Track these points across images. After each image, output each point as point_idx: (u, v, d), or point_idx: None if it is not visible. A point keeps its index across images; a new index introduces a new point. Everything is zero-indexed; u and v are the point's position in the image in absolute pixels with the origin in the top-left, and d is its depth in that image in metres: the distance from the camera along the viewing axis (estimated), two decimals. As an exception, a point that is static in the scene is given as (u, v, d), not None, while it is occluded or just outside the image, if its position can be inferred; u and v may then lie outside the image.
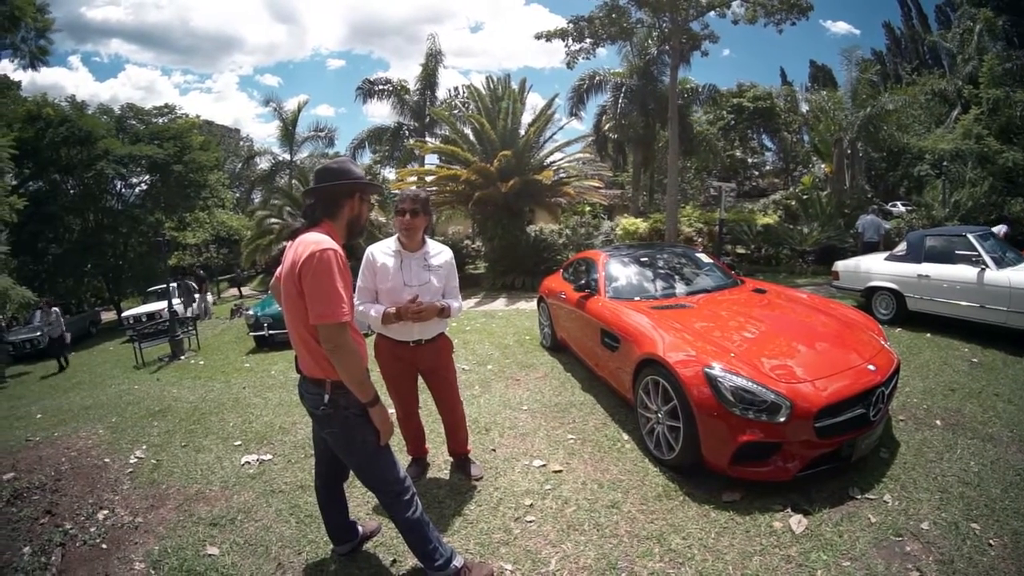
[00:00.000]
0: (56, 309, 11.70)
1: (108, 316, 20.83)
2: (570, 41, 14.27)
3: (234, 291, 22.80)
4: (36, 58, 7.37)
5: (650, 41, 16.65)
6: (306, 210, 2.08)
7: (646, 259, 5.01)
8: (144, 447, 4.72)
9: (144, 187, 20.11)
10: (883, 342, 3.44)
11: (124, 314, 16.80)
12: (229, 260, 25.99)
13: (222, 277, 25.34)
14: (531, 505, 2.90)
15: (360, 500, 3.11)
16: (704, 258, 5.19)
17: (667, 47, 15.23)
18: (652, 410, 3.25)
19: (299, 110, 24.70)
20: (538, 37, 14.43)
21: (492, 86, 14.23)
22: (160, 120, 20.65)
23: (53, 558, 3.13)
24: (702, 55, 15.09)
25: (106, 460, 4.56)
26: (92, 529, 3.40)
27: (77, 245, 17.58)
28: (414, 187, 3.31)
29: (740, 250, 14.45)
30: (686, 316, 3.71)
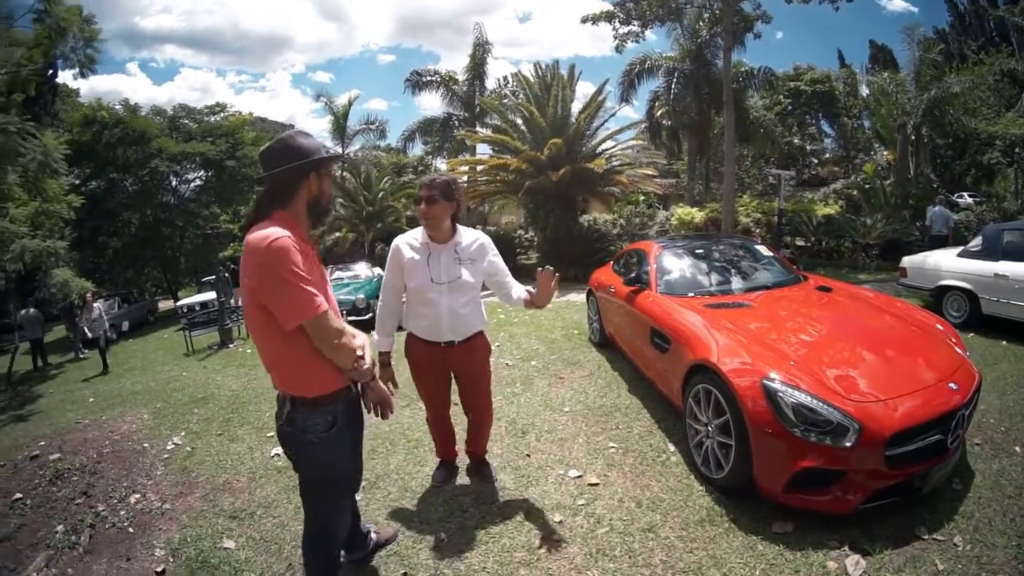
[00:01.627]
0: (98, 305, 10.95)
1: (166, 304, 22.27)
2: (617, 24, 14.09)
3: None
4: (85, 67, 8.01)
5: (701, 23, 16.26)
6: (257, 201, 1.87)
7: (701, 251, 4.76)
8: (182, 433, 4.90)
9: (199, 182, 21.41)
10: (963, 353, 3.08)
11: (179, 303, 17.92)
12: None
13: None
14: (560, 522, 2.74)
15: (381, 503, 3.08)
16: (763, 251, 4.90)
17: (719, 29, 14.83)
18: (702, 422, 3.00)
19: (350, 104, 25.27)
20: (584, 20, 14.37)
21: (540, 73, 14.25)
22: (212, 118, 21.62)
23: (82, 538, 3.30)
24: (755, 37, 14.68)
25: (145, 445, 4.79)
26: (122, 512, 3.56)
27: (135, 238, 18.95)
28: (435, 173, 3.10)
29: (799, 242, 13.93)
30: (742, 316, 3.45)
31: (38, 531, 3.54)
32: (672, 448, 3.40)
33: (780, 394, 2.49)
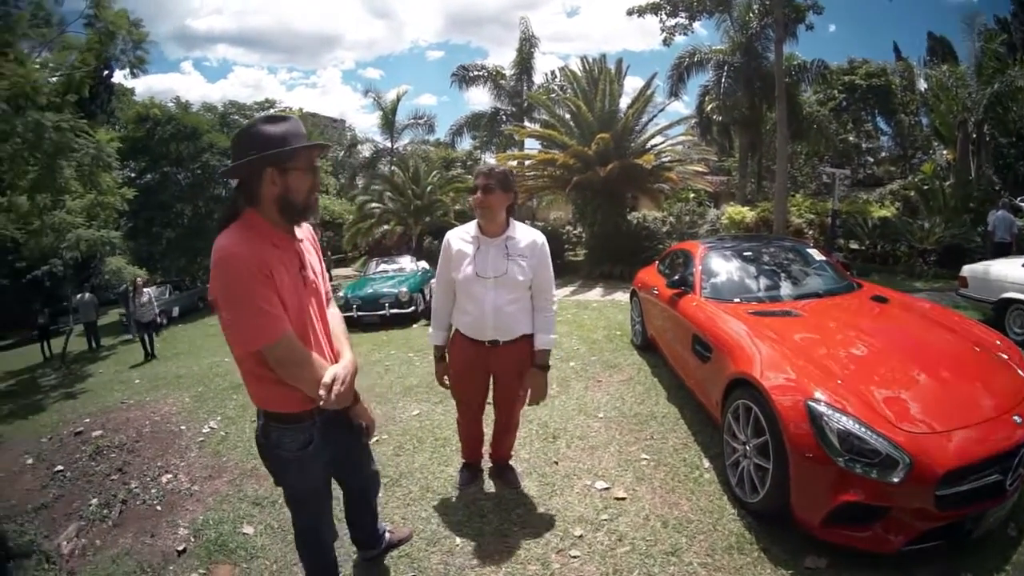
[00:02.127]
0: (149, 291, 10.77)
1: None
2: (664, 16, 13.87)
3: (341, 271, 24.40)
4: (135, 67, 8.60)
5: (751, 14, 15.82)
6: (231, 198, 1.70)
7: (749, 254, 4.55)
8: (219, 418, 5.05)
9: None
10: None
11: None
12: (334, 242, 28.00)
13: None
14: (580, 536, 2.62)
15: (400, 501, 3.06)
16: (815, 255, 4.65)
17: (769, 20, 14.38)
18: (740, 440, 2.82)
19: (398, 99, 25.76)
20: (630, 13, 14.16)
21: (588, 67, 14.09)
22: (261, 114, 22.31)
23: (113, 512, 3.48)
24: (807, 28, 14.15)
25: (182, 427, 4.98)
26: (153, 490, 3.71)
27: (188, 229, 19.91)
28: (493, 162, 2.98)
29: (853, 245, 13.24)
30: (788, 326, 3.26)
31: (73, 502, 3.74)
32: (707, 464, 3.23)
33: (825, 418, 2.29)
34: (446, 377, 2.82)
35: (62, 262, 13.50)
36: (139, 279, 11.37)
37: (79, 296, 12.95)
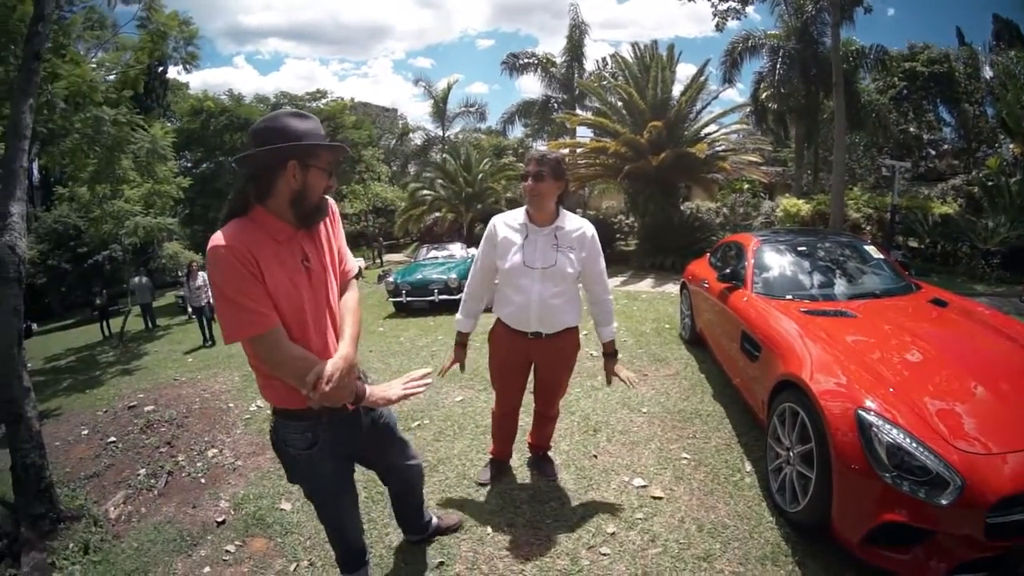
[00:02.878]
0: (203, 274, 10.39)
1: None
2: None
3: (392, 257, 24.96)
4: (187, 63, 9.17)
5: None
6: (236, 191, 1.67)
7: (804, 248, 4.41)
8: (266, 398, 5.27)
9: None
10: None
11: None
12: (385, 229, 28.78)
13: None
14: (613, 534, 2.59)
15: (436, 487, 3.10)
16: (873, 252, 4.46)
17: (825, 3, 13.90)
18: (784, 445, 2.72)
19: (449, 88, 26.29)
20: None
21: (639, 54, 13.98)
22: (314, 104, 23.16)
23: (160, 482, 3.70)
24: (865, 12, 13.47)
25: (230, 405, 5.22)
26: (199, 464, 3.91)
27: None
28: (544, 148, 2.90)
29: (912, 243, 12.63)
30: (841, 327, 3.14)
31: (123, 471, 3.99)
32: (748, 467, 3.15)
33: (875, 429, 2.18)
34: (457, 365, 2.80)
35: (121, 248, 14.32)
36: (194, 263, 11.48)
37: (136, 279, 13.69)
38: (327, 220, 1.80)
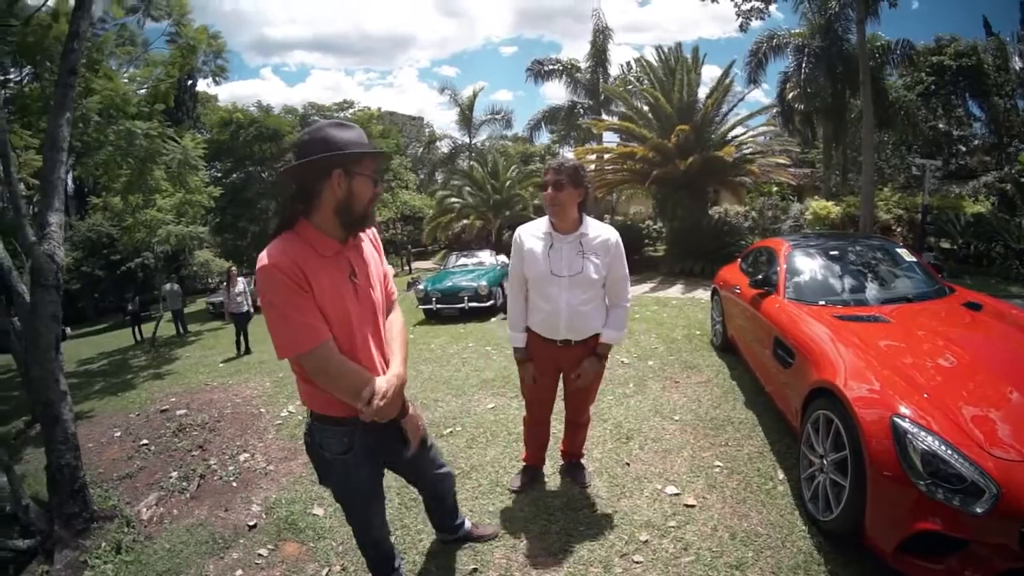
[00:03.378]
0: (243, 280, 10.37)
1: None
2: None
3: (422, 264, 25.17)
4: (217, 75, 9.47)
5: None
6: (281, 207, 1.71)
7: (836, 253, 4.37)
8: (297, 403, 5.27)
9: None
10: None
11: None
12: (414, 236, 29.22)
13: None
14: (646, 542, 2.59)
15: (469, 493, 3.10)
16: (905, 255, 4.41)
17: None
18: (818, 453, 2.68)
19: (475, 96, 26.72)
20: None
21: (664, 57, 14.00)
22: (341, 114, 23.60)
23: (192, 485, 3.74)
24: (891, 6, 13.13)
25: (262, 410, 5.27)
26: (231, 468, 3.95)
27: (272, 224, 20.98)
28: (563, 156, 2.87)
29: (944, 244, 12.27)
30: (874, 332, 3.10)
31: (155, 474, 4.04)
32: (781, 476, 3.11)
33: (911, 436, 2.14)
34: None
35: (153, 255, 14.74)
36: (234, 269, 11.08)
37: (167, 286, 14.08)
38: (372, 241, 1.84)
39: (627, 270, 2.64)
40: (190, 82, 21.55)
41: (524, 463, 3.20)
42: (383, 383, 1.64)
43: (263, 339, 11.48)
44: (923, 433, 2.13)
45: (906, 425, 2.17)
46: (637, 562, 2.44)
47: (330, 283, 1.61)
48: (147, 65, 8.50)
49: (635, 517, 2.77)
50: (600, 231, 2.57)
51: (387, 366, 1.78)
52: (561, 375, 2.79)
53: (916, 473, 2.07)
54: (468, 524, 2.62)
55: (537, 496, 3.00)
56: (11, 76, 7.28)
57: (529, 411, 2.94)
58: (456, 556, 2.53)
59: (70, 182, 22.57)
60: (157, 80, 8.47)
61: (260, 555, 2.75)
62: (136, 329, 14.27)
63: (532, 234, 2.62)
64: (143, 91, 8.54)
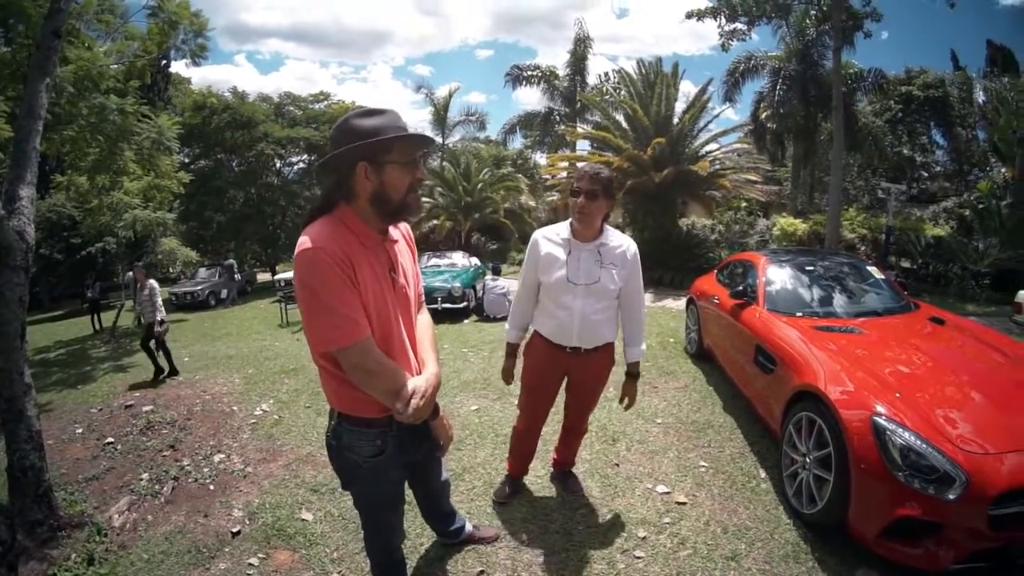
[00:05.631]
0: (153, 284, 7.13)
1: (264, 276, 24.12)
2: (723, 20, 13.80)
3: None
4: (197, 55, 8.96)
5: (808, 20, 15.53)
6: (324, 191, 1.60)
7: (811, 268, 4.58)
8: (271, 401, 5.11)
9: (302, 165, 23.04)
10: None
11: (277, 276, 19.45)
12: None
13: None
14: (644, 538, 2.63)
15: (464, 496, 3.02)
16: (875, 272, 4.64)
17: (827, 26, 14.17)
18: (800, 452, 2.85)
19: (450, 96, 26.36)
20: (689, 16, 14.19)
21: (643, 71, 14.22)
22: (316, 106, 23.05)
23: (165, 488, 3.49)
24: (865, 36, 13.76)
25: (234, 408, 5.05)
26: (206, 470, 3.73)
27: (238, 215, 20.58)
28: (597, 164, 2.79)
29: (905, 263, 12.88)
30: (851, 342, 3.30)
31: (124, 475, 3.78)
32: (763, 474, 3.25)
33: (889, 433, 2.37)
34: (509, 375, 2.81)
35: (116, 240, 14.00)
36: (138, 266, 8.41)
37: (130, 273, 13.39)
38: (406, 238, 1.75)
39: (642, 283, 2.63)
40: (164, 62, 20.54)
41: (507, 473, 3.09)
42: (421, 382, 1.55)
43: (222, 328, 11.25)
44: (900, 430, 2.35)
45: (884, 423, 2.39)
46: (639, 557, 2.49)
47: (372, 275, 1.51)
48: (125, 39, 8.01)
49: (631, 515, 2.83)
50: (620, 241, 2.54)
51: (420, 365, 1.68)
52: (565, 382, 2.74)
53: (895, 465, 2.29)
54: (469, 527, 2.56)
55: (532, 497, 3.00)
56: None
57: (525, 416, 2.84)
58: (461, 559, 2.48)
59: (34, 157, 21.33)
60: (133, 56, 7.99)
61: (251, 564, 2.58)
62: (95, 317, 13.47)
63: (550, 239, 2.55)
64: (116, 66, 8.05)
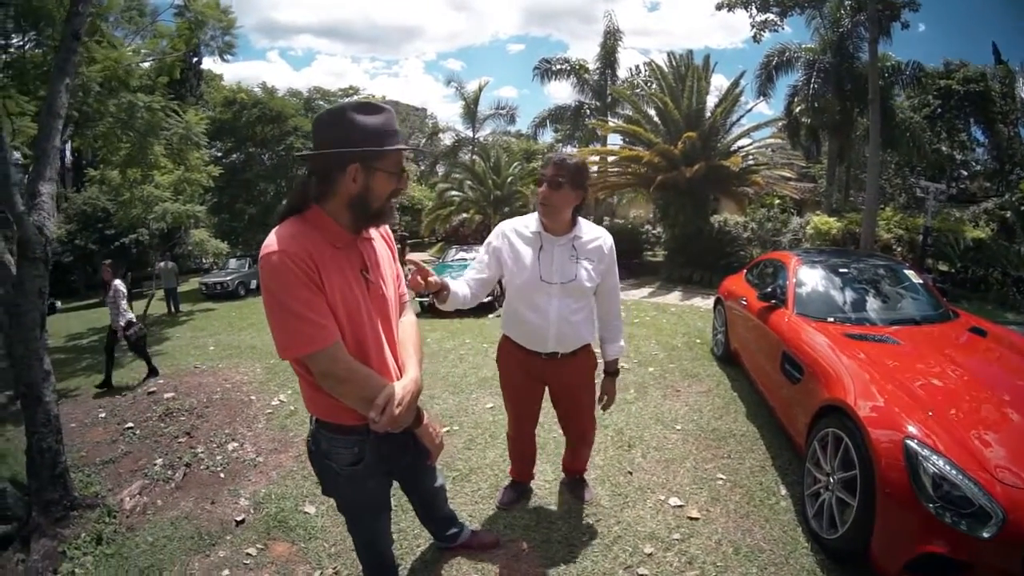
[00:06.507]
0: (119, 284, 6.76)
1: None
2: (754, 11, 13.74)
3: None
4: (224, 52, 9.18)
5: (843, 11, 15.23)
6: (296, 187, 1.53)
7: (846, 271, 4.34)
8: (289, 392, 5.15)
9: None
10: None
11: None
12: (412, 228, 29.34)
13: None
14: (650, 555, 2.50)
15: (469, 497, 2.99)
16: (913, 277, 4.39)
17: (862, 17, 13.88)
18: (824, 471, 2.65)
19: (480, 90, 26.60)
20: (719, 7, 14.14)
21: (674, 64, 14.05)
22: (345, 101, 23.21)
23: (177, 474, 3.59)
24: (903, 27, 13.43)
25: (252, 397, 5.12)
26: (219, 457, 3.81)
27: (269, 207, 20.96)
28: (569, 152, 2.54)
29: (943, 267, 12.35)
30: (885, 353, 3.08)
31: (140, 460, 3.90)
32: (784, 491, 3.06)
33: (922, 459, 2.15)
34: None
35: (148, 232, 14.48)
36: (105, 264, 7.29)
37: (162, 264, 13.85)
38: (384, 237, 1.68)
39: (618, 278, 2.46)
40: (196, 59, 21.14)
41: (511, 478, 2.98)
42: (399, 389, 1.47)
43: (247, 319, 11.34)
44: (934, 456, 2.13)
45: (917, 447, 2.18)
46: (641, 575, 2.37)
47: (341, 277, 1.46)
48: (154, 37, 8.28)
49: (639, 528, 2.69)
50: (594, 234, 2.34)
51: (400, 370, 1.62)
52: (549, 391, 2.57)
53: (926, 496, 2.08)
54: (468, 532, 2.50)
55: (537, 503, 2.91)
56: (12, 41, 7.04)
57: (512, 425, 2.71)
58: (455, 564, 2.43)
59: (68, 153, 22.24)
60: (162, 53, 8.25)
61: (248, 554, 2.62)
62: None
63: (518, 232, 2.32)
64: (146, 64, 8.32)
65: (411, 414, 1.54)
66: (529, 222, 2.33)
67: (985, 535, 1.97)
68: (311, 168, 1.48)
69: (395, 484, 1.94)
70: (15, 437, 4.44)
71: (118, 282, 6.44)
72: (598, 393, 2.57)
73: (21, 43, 6.90)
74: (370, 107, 1.43)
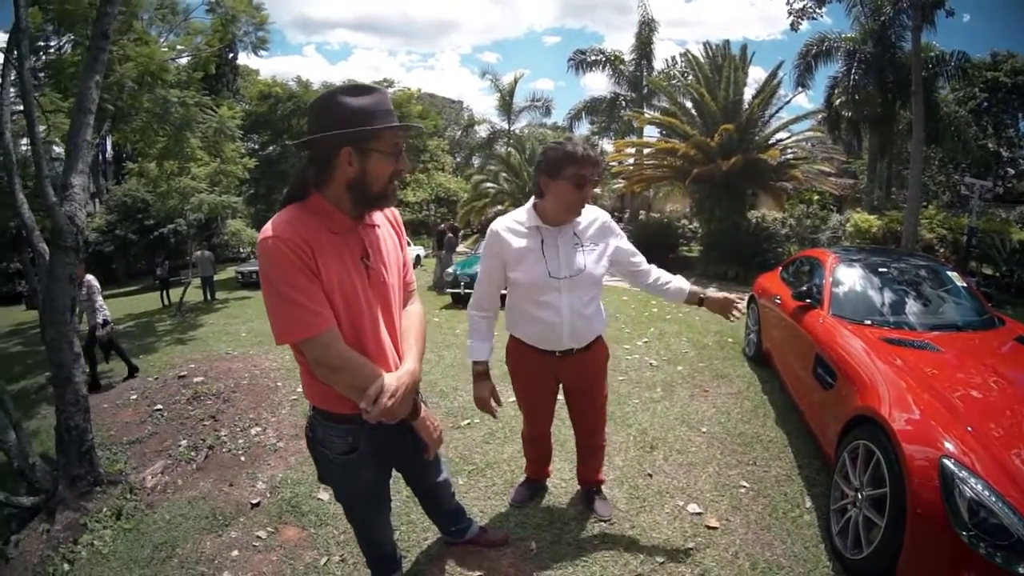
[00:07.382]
0: (92, 281, 6.44)
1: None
2: None
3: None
4: (257, 47, 9.41)
5: None
6: (296, 174, 1.52)
7: (885, 271, 4.14)
8: (316, 379, 5.25)
9: None
10: None
11: None
12: (446, 219, 29.45)
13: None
14: (662, 563, 2.42)
15: (482, 492, 2.98)
16: (957, 280, 4.14)
17: (904, 3, 13.32)
18: (852, 486, 2.52)
19: (516, 82, 26.70)
20: None
21: (711, 54, 13.85)
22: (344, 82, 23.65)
23: (199, 456, 3.73)
24: (947, 15, 12.79)
25: (279, 384, 5.23)
26: (240, 441, 3.91)
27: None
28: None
29: (987, 270, 11.80)
30: (924, 360, 2.89)
31: (165, 441, 4.04)
32: (809, 503, 2.92)
33: (959, 481, 1.98)
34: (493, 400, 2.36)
35: (186, 222, 15.01)
36: (79, 260, 5.77)
37: (199, 253, 14.31)
38: (392, 222, 1.67)
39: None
40: (232, 55, 21.69)
41: (526, 475, 2.95)
42: (392, 380, 1.46)
43: (252, 318, 11.63)
44: (972, 479, 1.98)
45: (954, 467, 2.01)
46: None
47: (339, 263, 1.45)
48: (188, 34, 8.56)
49: (653, 535, 2.61)
50: (591, 216, 2.26)
51: (400, 361, 1.60)
52: (563, 388, 2.51)
53: (960, 523, 1.92)
54: (476, 527, 2.48)
55: (551, 502, 2.87)
56: (51, 43, 7.38)
57: (528, 425, 2.67)
58: (462, 559, 2.42)
59: (108, 147, 23.14)
60: (196, 49, 8.51)
61: (259, 537, 2.68)
62: (164, 293, 14.54)
63: (512, 230, 2.21)
64: (182, 60, 8.60)
65: (406, 406, 1.53)
66: (521, 217, 2.25)
67: (1022, 571, 1.82)
68: (310, 155, 1.47)
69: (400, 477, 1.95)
70: (51, 415, 4.64)
71: (90, 277, 6.16)
72: (714, 309, 2.45)
73: (59, 45, 7.24)
74: (360, 88, 1.42)
